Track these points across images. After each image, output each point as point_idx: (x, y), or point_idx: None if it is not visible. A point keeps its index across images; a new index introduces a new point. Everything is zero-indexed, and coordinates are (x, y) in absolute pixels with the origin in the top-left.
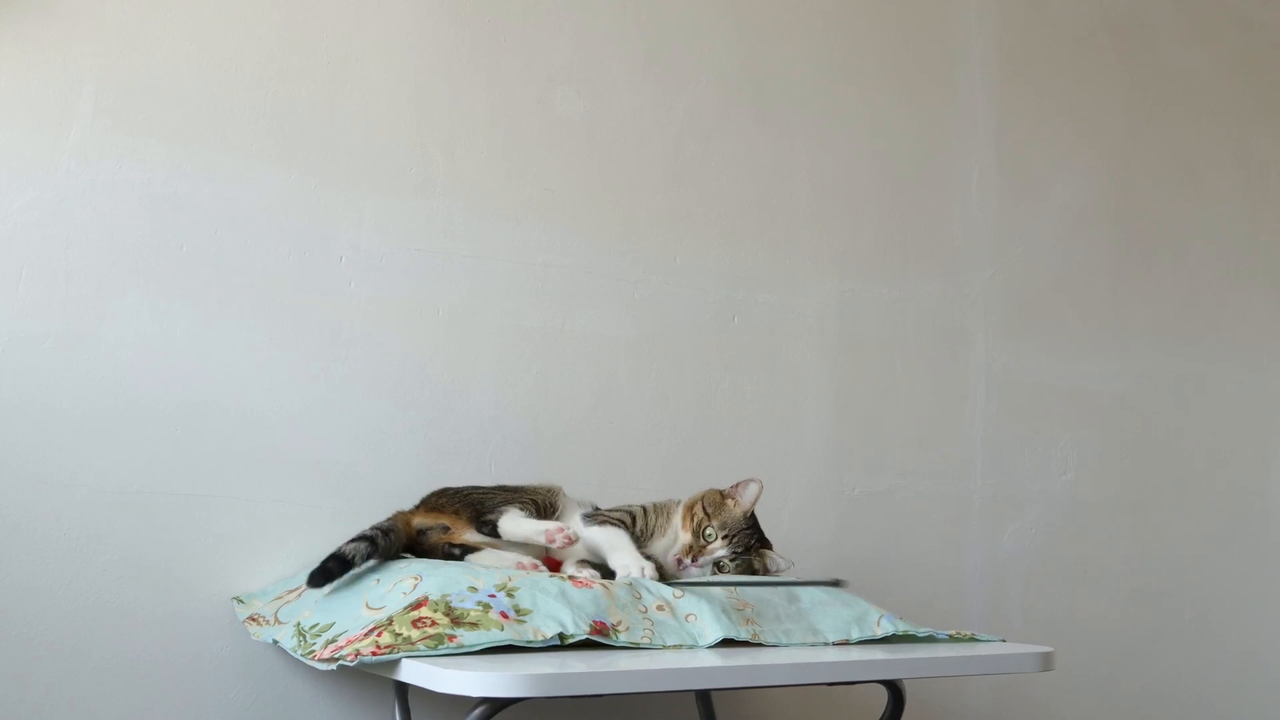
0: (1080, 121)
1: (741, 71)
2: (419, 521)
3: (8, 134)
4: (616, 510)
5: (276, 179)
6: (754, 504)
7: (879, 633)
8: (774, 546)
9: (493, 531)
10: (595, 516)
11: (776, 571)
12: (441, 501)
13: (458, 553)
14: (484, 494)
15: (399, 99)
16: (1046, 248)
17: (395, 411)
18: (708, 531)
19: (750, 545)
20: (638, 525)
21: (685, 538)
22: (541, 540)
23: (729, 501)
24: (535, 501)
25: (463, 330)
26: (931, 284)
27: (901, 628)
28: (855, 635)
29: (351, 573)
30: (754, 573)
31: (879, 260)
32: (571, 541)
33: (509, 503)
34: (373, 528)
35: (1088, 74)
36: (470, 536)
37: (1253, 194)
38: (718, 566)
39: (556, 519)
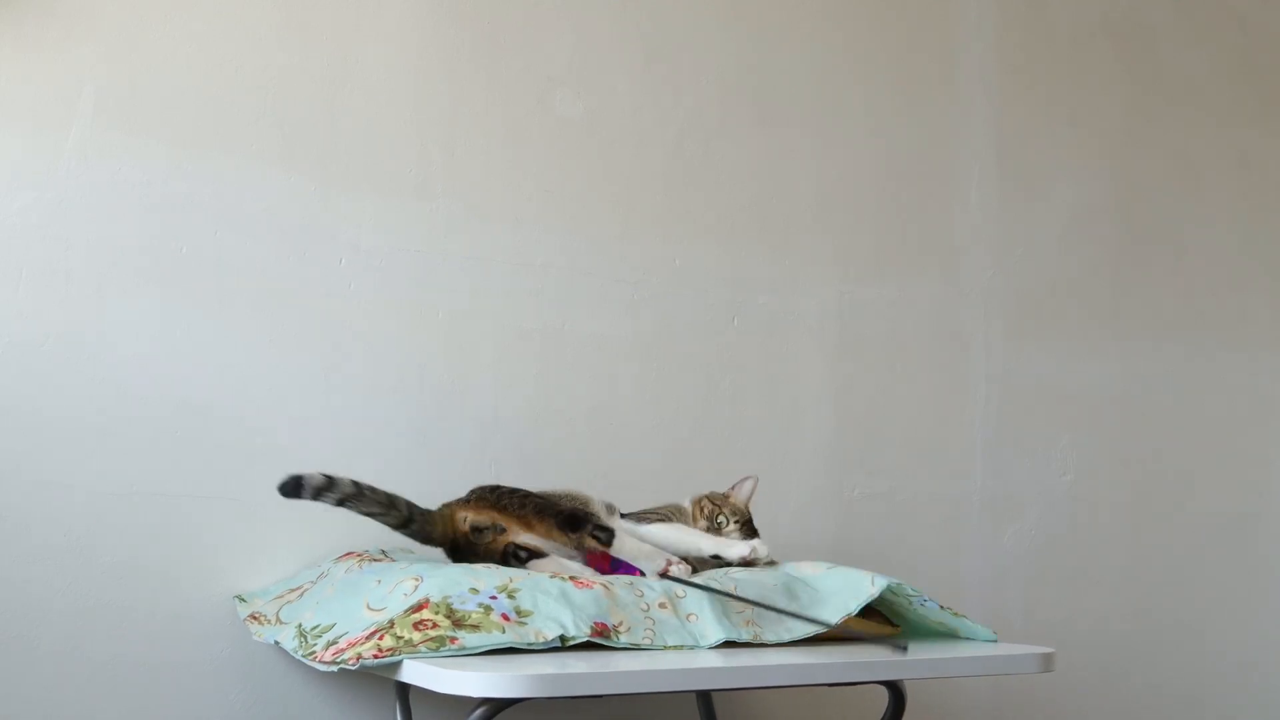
0: (1080, 121)
1: (741, 71)
2: (473, 519)
3: (8, 134)
4: (649, 511)
5: (276, 179)
6: (751, 497)
7: (874, 592)
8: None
9: (610, 539)
10: (641, 516)
11: None
12: (504, 502)
13: (524, 555)
14: (545, 498)
15: (399, 99)
16: (1046, 248)
17: (395, 412)
18: (719, 519)
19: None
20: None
21: (703, 524)
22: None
23: (730, 498)
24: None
25: (463, 331)
26: (931, 285)
27: (894, 583)
28: (854, 607)
29: (316, 499)
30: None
31: (879, 261)
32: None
33: (587, 508)
34: (393, 496)
35: (1088, 74)
36: (527, 539)
37: (1253, 194)
38: None
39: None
